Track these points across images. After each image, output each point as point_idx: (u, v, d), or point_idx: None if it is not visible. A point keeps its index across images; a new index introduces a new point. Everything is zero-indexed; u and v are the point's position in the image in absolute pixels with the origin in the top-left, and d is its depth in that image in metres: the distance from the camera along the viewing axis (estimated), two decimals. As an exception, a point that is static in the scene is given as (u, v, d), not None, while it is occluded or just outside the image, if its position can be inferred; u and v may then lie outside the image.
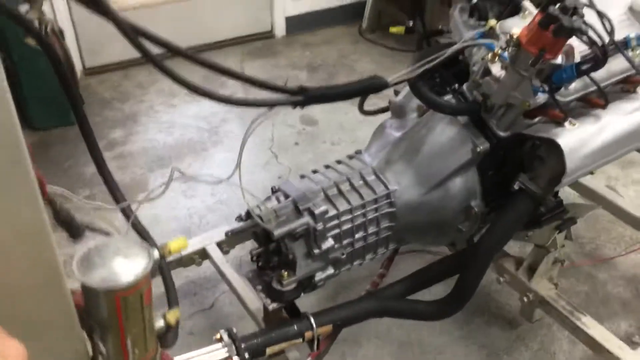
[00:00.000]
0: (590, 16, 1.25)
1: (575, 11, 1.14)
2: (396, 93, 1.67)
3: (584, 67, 1.19)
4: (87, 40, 3.39)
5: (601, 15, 1.20)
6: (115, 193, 1.06)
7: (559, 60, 1.22)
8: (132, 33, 0.94)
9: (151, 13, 3.55)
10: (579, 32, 1.11)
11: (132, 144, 2.93)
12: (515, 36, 1.23)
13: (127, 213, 1.07)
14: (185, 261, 2.03)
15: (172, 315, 0.75)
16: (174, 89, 3.31)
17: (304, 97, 1.25)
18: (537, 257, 1.82)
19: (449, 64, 1.49)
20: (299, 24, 3.92)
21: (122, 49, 2.64)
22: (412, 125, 1.57)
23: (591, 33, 1.14)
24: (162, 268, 1.06)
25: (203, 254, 2.04)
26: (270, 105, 1.21)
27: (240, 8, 3.74)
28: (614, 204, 2.23)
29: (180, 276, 2.22)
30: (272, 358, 1.60)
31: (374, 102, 1.85)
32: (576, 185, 2.31)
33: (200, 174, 2.63)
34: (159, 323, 0.76)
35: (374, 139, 1.65)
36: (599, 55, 1.16)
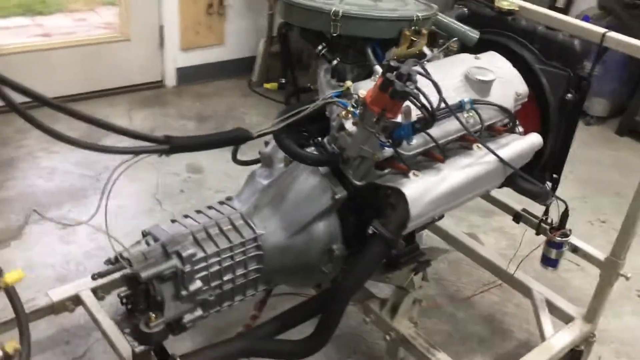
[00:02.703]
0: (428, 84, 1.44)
1: (409, 77, 1.32)
2: (266, 144, 1.79)
3: (418, 125, 1.37)
4: (-35, 83, 3.29)
5: (434, 83, 1.39)
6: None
7: (399, 119, 1.39)
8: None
9: (42, 57, 3.52)
10: (410, 96, 1.29)
11: (9, 190, 2.85)
12: (362, 96, 1.39)
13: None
14: (57, 308, 2.00)
15: (10, 346, 0.78)
16: (58, 135, 3.27)
17: (170, 145, 1.34)
18: (399, 298, 1.97)
19: (316, 119, 1.64)
20: (190, 75, 4.02)
21: None
22: (279, 174, 1.69)
23: (422, 97, 1.32)
24: (11, 297, 1.07)
25: (76, 300, 2.02)
26: (136, 153, 1.29)
27: (130, 57, 3.79)
28: (473, 250, 2.46)
29: (52, 324, 2.17)
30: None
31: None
32: (439, 232, 2.53)
33: (62, 216, 2.55)
34: (-2, 353, 0.79)
35: (245, 186, 1.76)
36: (428, 117, 1.34)
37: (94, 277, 1.45)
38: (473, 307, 2.50)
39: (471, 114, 1.62)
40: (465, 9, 2.09)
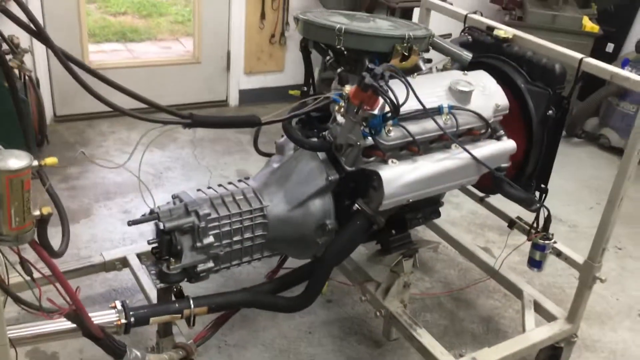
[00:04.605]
0: (420, 89, 1.76)
1: (382, 76, 1.65)
2: (282, 136, 2.16)
3: (387, 115, 1.70)
4: (60, 92, 3.89)
5: (405, 82, 1.71)
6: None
7: (376, 112, 1.72)
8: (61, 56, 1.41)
9: (113, 74, 4.06)
10: (377, 90, 1.61)
11: (85, 179, 3.37)
12: (347, 92, 1.73)
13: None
14: (108, 266, 2.42)
15: (45, 209, 1.16)
16: (130, 139, 3.80)
17: (192, 120, 1.73)
18: (391, 280, 2.25)
19: (326, 119, 1.99)
20: (251, 97, 4.49)
21: (89, 103, 3.08)
22: (287, 158, 2.04)
23: (390, 93, 1.64)
24: (50, 193, 1.44)
25: (124, 262, 2.43)
26: (165, 123, 1.69)
27: (199, 77, 4.31)
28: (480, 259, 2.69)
29: (104, 285, 2.61)
30: (162, 339, 1.98)
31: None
32: (457, 246, 2.78)
33: (125, 202, 3.03)
34: (36, 211, 1.17)
35: (262, 169, 2.12)
36: (392, 108, 1.66)
37: (129, 224, 1.85)
38: (474, 308, 2.72)
39: (448, 117, 1.92)
40: (469, 37, 2.41)
